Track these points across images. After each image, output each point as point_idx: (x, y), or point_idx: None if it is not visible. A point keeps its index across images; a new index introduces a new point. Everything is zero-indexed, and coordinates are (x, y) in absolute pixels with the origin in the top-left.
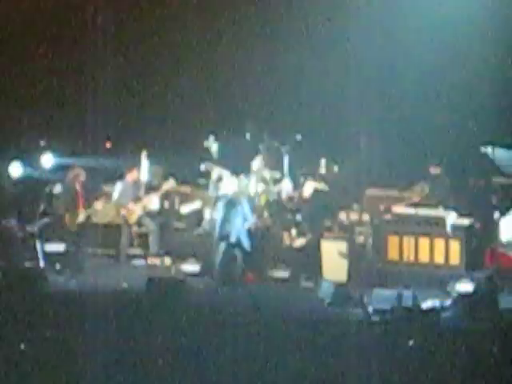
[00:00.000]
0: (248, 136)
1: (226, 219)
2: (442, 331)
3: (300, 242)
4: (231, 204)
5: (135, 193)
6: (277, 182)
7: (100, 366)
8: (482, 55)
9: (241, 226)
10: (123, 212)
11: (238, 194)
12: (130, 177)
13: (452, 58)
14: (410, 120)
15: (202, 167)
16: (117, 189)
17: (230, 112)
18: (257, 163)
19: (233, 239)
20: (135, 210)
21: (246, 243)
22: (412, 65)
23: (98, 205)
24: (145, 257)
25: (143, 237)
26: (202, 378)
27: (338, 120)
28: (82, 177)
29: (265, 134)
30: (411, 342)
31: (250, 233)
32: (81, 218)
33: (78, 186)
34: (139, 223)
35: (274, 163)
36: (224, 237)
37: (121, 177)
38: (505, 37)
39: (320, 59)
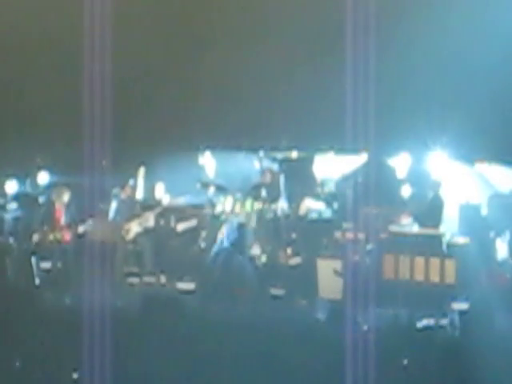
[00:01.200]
0: (244, 153)
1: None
2: (437, 350)
3: (296, 261)
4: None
5: (130, 210)
6: (273, 200)
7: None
8: None
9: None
10: (118, 230)
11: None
12: (125, 194)
13: None
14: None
15: (198, 185)
16: (112, 206)
17: (225, 129)
18: (252, 181)
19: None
20: (131, 228)
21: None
22: None
23: (93, 222)
24: (140, 275)
25: (138, 255)
26: None
27: (335, 138)
28: (66, 196)
29: (261, 152)
30: (406, 362)
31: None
32: (58, 236)
33: (58, 206)
34: (135, 241)
35: (270, 181)
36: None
37: (116, 195)
38: None
39: (323, 77)
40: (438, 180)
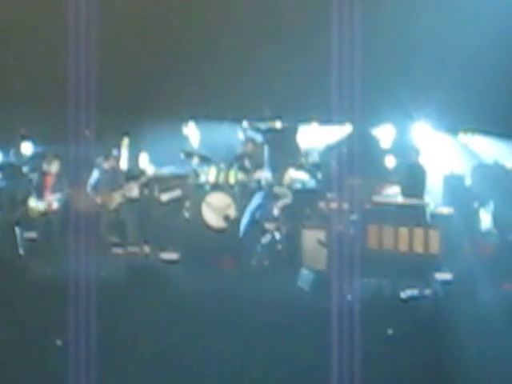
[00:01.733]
0: (228, 124)
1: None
2: (421, 320)
3: (280, 231)
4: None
5: (113, 180)
6: (257, 170)
7: (81, 355)
8: None
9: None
10: (101, 199)
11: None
12: (107, 164)
13: None
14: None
15: (182, 155)
16: (93, 177)
17: (209, 99)
18: (236, 151)
19: None
20: (114, 198)
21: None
22: None
23: (76, 192)
24: (124, 245)
25: (122, 225)
26: (182, 364)
27: (319, 109)
28: (56, 166)
29: (245, 122)
30: (390, 331)
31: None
32: (45, 206)
33: (47, 175)
34: (118, 211)
35: (254, 151)
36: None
37: (99, 164)
38: None
39: (307, 47)
40: (417, 149)
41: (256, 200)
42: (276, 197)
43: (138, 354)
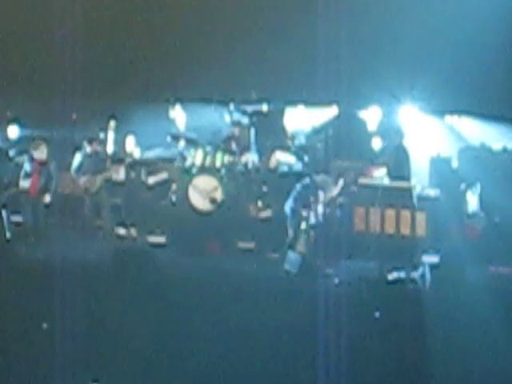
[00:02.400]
0: (214, 107)
1: None
2: (408, 302)
3: (266, 214)
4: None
5: (96, 164)
6: (243, 153)
7: (68, 338)
8: None
9: None
10: (83, 183)
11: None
12: (91, 148)
13: None
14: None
15: (168, 138)
16: (75, 160)
17: (195, 82)
18: (223, 134)
19: None
20: (95, 181)
21: None
22: None
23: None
24: (110, 228)
25: (109, 208)
26: (169, 348)
27: (305, 91)
28: (43, 152)
29: (231, 105)
30: (377, 314)
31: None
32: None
33: (35, 160)
34: (105, 194)
35: (241, 134)
36: None
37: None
38: None
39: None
40: (403, 131)
41: (298, 188)
42: (318, 185)
43: (124, 338)
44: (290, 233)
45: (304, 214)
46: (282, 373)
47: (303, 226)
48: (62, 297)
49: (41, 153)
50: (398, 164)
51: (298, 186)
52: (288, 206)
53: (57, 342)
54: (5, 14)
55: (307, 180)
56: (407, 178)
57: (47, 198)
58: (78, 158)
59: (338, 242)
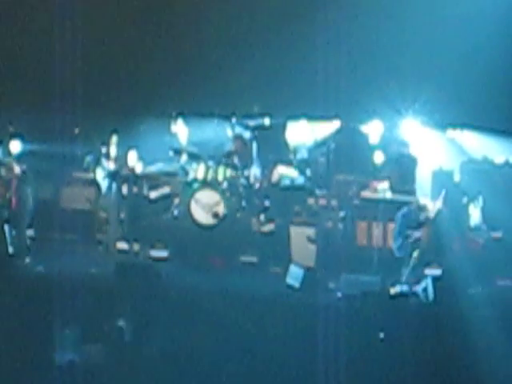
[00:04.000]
0: (216, 121)
1: None
2: (410, 316)
3: (268, 228)
4: None
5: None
6: (245, 167)
7: (69, 352)
8: None
9: None
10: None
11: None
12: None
13: None
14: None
15: (171, 153)
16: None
17: (197, 96)
18: (225, 148)
19: None
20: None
21: None
22: None
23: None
24: (113, 242)
25: (111, 222)
26: (170, 360)
27: (307, 105)
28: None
29: (233, 119)
30: (379, 328)
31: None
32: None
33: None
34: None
35: (243, 148)
36: None
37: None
38: None
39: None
40: (405, 144)
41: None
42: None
43: (126, 351)
44: (405, 272)
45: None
46: None
47: (415, 254)
48: (64, 311)
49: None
50: (402, 177)
51: (400, 219)
52: (396, 246)
53: (57, 355)
54: (5, 28)
55: (406, 209)
56: (410, 192)
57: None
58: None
59: (340, 255)
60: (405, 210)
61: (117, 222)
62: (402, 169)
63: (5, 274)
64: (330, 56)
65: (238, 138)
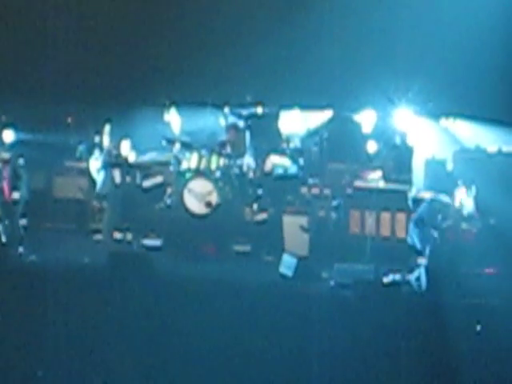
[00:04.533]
0: (209, 110)
1: None
2: (403, 304)
3: (261, 217)
4: None
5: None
6: (238, 156)
7: (62, 342)
8: None
9: None
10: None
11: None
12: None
13: None
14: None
15: (163, 142)
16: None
17: (190, 85)
18: (218, 137)
19: None
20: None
21: None
22: None
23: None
24: (105, 232)
25: (105, 211)
26: (163, 350)
27: (300, 94)
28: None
29: (226, 108)
30: (372, 317)
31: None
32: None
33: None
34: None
35: (236, 137)
36: None
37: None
38: None
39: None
40: (398, 133)
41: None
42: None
43: (120, 341)
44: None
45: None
46: (277, 375)
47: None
48: (57, 300)
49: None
50: (394, 167)
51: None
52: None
53: (52, 345)
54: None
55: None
56: (403, 181)
57: (15, 195)
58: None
59: (333, 244)
60: (432, 203)
61: (110, 212)
62: (395, 158)
63: None
64: (323, 45)
65: (231, 127)
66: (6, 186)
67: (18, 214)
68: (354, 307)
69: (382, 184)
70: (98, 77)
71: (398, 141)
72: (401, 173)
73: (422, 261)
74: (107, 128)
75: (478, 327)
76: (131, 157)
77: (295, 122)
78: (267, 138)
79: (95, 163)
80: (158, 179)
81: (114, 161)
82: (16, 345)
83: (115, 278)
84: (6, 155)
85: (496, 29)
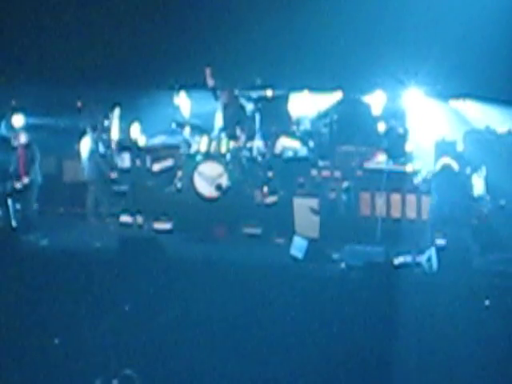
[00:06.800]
0: (219, 93)
1: None
2: (414, 286)
3: (272, 199)
4: None
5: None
6: (248, 139)
7: (73, 325)
8: None
9: None
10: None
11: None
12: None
13: None
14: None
15: (173, 125)
16: (85, 147)
17: (200, 68)
18: (228, 120)
19: None
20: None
21: None
22: None
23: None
24: (117, 215)
25: (115, 195)
26: (174, 333)
27: (310, 76)
28: (23, 138)
29: (236, 90)
30: (383, 298)
31: None
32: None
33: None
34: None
35: (246, 120)
36: None
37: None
38: None
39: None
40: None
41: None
42: None
43: (131, 324)
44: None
45: None
46: (288, 356)
47: None
48: (69, 284)
49: (20, 139)
50: (403, 148)
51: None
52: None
53: (61, 331)
54: (8, 2)
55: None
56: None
57: (26, 180)
58: (87, 145)
59: (344, 226)
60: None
61: (120, 195)
62: (404, 140)
63: (8, 247)
64: (333, 27)
65: (240, 109)
66: (21, 169)
67: (31, 199)
68: (364, 289)
69: (391, 165)
70: (108, 61)
71: (406, 122)
72: (409, 154)
73: (442, 242)
74: (117, 111)
75: (487, 302)
76: (141, 140)
77: (305, 105)
78: (277, 120)
79: (103, 146)
80: (168, 162)
81: (124, 144)
82: (24, 328)
83: (126, 262)
84: (22, 139)
85: (506, 9)
